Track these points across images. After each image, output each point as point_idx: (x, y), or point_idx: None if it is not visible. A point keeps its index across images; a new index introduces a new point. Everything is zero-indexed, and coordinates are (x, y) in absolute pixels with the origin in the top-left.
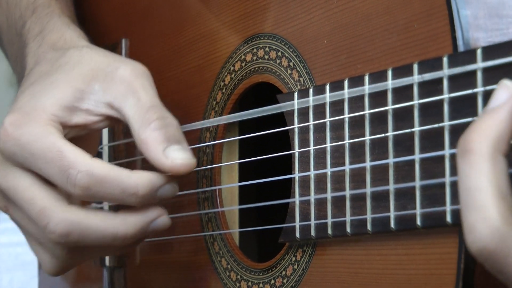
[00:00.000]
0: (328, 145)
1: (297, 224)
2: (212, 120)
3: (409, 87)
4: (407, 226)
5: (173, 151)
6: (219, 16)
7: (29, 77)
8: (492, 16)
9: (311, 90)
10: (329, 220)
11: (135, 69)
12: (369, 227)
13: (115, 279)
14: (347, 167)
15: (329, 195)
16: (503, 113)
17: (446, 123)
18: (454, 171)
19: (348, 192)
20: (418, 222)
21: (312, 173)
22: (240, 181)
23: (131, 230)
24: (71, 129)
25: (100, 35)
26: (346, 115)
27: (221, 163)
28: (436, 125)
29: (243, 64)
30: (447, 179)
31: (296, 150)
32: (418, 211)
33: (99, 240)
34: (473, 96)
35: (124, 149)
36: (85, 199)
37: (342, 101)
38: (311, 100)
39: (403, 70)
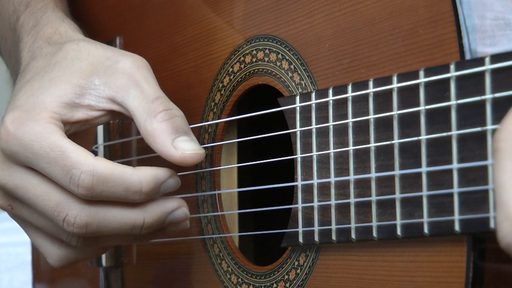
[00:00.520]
0: (332, 151)
1: (300, 229)
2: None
3: (416, 93)
4: (414, 233)
5: (181, 142)
6: (217, 16)
7: (25, 73)
8: (499, 21)
9: (313, 94)
10: (333, 227)
11: (135, 61)
12: (374, 233)
13: (111, 280)
14: (352, 177)
15: (333, 201)
16: None
17: (454, 132)
18: (461, 180)
19: (352, 200)
20: (426, 230)
21: (315, 181)
22: (239, 182)
23: (150, 219)
24: (72, 125)
25: (95, 33)
26: (350, 120)
27: (220, 164)
28: (444, 134)
29: (242, 66)
30: (455, 189)
31: (299, 155)
32: (426, 220)
33: (117, 230)
34: (482, 104)
35: (120, 148)
36: (89, 199)
37: (345, 105)
38: (313, 104)
39: (409, 76)
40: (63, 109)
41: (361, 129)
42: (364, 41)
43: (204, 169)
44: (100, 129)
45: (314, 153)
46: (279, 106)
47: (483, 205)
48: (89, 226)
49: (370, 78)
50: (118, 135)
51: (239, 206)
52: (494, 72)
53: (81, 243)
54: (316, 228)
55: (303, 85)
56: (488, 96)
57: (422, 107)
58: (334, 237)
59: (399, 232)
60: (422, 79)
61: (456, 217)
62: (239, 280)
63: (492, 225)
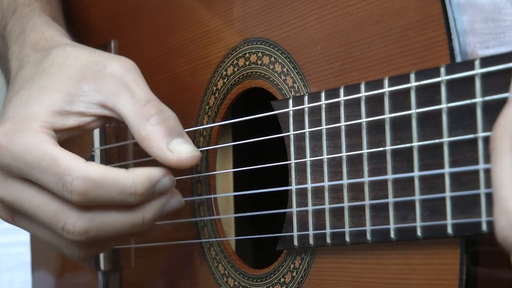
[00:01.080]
0: (325, 156)
1: (295, 233)
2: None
3: (407, 97)
4: (407, 237)
5: (177, 144)
6: (211, 19)
7: (15, 83)
8: (488, 22)
9: (306, 97)
10: (328, 230)
11: (124, 64)
12: (368, 237)
13: (110, 283)
14: (345, 181)
15: (327, 205)
16: None
17: (445, 139)
18: (453, 183)
19: (346, 204)
20: (419, 233)
21: (309, 185)
22: (235, 185)
23: (148, 216)
24: (64, 132)
25: (89, 36)
26: (343, 123)
27: (215, 168)
28: (436, 141)
29: (236, 69)
30: (448, 193)
31: (293, 161)
32: (419, 223)
33: (118, 231)
34: (472, 107)
35: (116, 151)
36: (85, 205)
37: (338, 108)
38: (306, 107)
39: (400, 79)
40: (53, 117)
41: (353, 133)
42: (355, 44)
43: (200, 173)
44: (96, 133)
45: (308, 159)
46: (273, 109)
47: (475, 208)
48: (89, 231)
49: (362, 81)
50: (114, 138)
51: (235, 209)
52: (484, 74)
53: (83, 249)
54: (310, 231)
55: (296, 88)
56: (478, 99)
57: (413, 111)
58: (328, 240)
59: (392, 235)
60: (413, 83)
61: (449, 221)
62: (236, 283)
63: (484, 227)
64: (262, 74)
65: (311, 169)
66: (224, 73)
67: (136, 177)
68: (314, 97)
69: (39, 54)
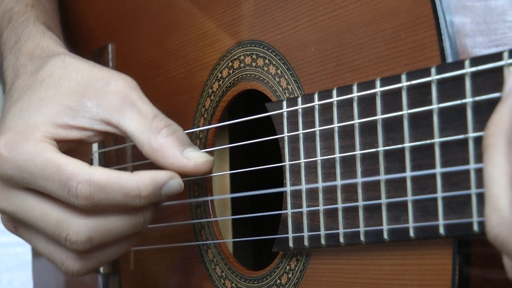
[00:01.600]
0: (319, 158)
1: (290, 235)
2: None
3: (398, 97)
4: (400, 237)
5: (191, 152)
6: (206, 22)
7: (12, 93)
8: (479, 22)
9: (299, 99)
10: (322, 232)
11: (126, 82)
12: (362, 238)
13: (110, 286)
14: (339, 182)
15: (321, 206)
16: (511, 102)
17: (437, 139)
18: (445, 183)
19: (340, 205)
20: (412, 234)
21: (303, 187)
22: (232, 187)
23: (148, 214)
24: (64, 143)
25: (87, 39)
26: (336, 125)
27: (212, 169)
28: (428, 141)
29: (231, 71)
30: (439, 193)
31: (287, 163)
32: (411, 224)
33: (121, 235)
34: (463, 107)
35: (115, 154)
36: (91, 209)
37: (331, 110)
38: (300, 109)
39: (392, 80)
40: (55, 129)
41: (346, 134)
42: (348, 45)
43: (196, 176)
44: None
45: (302, 159)
46: (268, 111)
47: (466, 208)
48: (93, 239)
49: (354, 83)
50: (112, 141)
51: (232, 210)
52: (474, 75)
53: (81, 263)
54: (305, 233)
55: (290, 89)
56: (468, 99)
57: (404, 111)
58: (323, 241)
59: (386, 236)
60: (404, 83)
61: (441, 221)
62: (233, 285)
63: (475, 227)
64: (256, 76)
65: (305, 171)
66: (220, 75)
67: (140, 180)
68: (308, 98)
69: (35, 63)
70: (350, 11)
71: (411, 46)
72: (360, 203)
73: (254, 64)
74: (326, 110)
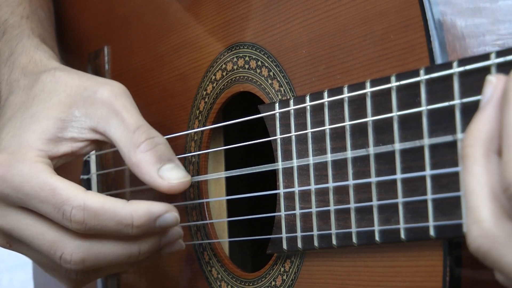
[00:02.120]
0: (311, 162)
1: (284, 235)
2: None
3: (388, 99)
4: (391, 239)
5: (167, 171)
6: (200, 24)
7: (6, 109)
8: (468, 24)
9: (291, 101)
10: (315, 233)
11: (113, 89)
12: (354, 239)
13: (108, 287)
14: (331, 185)
15: (314, 208)
16: (490, 111)
17: (426, 140)
18: (435, 185)
19: (332, 207)
20: (403, 235)
21: (296, 189)
22: (227, 189)
23: (144, 248)
24: (59, 159)
25: (82, 42)
26: (327, 127)
27: (207, 172)
28: (418, 144)
29: (224, 73)
30: (429, 195)
31: (280, 166)
32: (402, 226)
33: (114, 260)
34: (451, 109)
35: (112, 157)
36: (84, 232)
37: (322, 112)
38: (292, 110)
39: (381, 82)
40: (47, 145)
41: (337, 136)
42: (338, 47)
43: (192, 177)
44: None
45: (295, 162)
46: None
47: (456, 210)
48: (86, 261)
49: (345, 84)
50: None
51: (228, 212)
52: (462, 76)
53: (80, 276)
54: (299, 234)
55: (283, 91)
56: (457, 101)
57: (394, 113)
58: (316, 243)
59: (377, 237)
60: (393, 84)
61: (431, 223)
62: (229, 287)
63: (465, 229)
64: (249, 78)
65: (297, 173)
66: (213, 77)
67: (134, 210)
68: (299, 100)
69: (28, 79)
70: (341, 13)
71: (400, 47)
72: (352, 205)
73: (247, 66)
74: (317, 112)
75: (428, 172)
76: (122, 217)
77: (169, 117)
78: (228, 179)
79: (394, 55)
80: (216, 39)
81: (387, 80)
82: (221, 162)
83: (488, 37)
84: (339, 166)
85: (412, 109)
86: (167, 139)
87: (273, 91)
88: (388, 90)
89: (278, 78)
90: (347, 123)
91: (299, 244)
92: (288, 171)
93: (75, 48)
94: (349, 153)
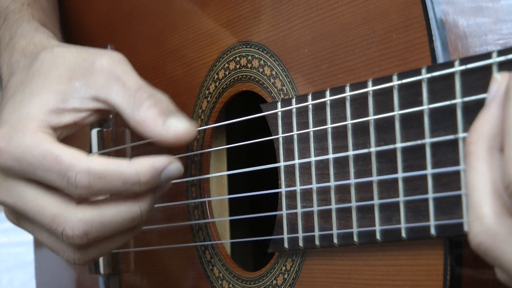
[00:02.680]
0: (313, 159)
1: (285, 236)
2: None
3: (390, 98)
4: (392, 238)
5: (172, 123)
6: (203, 23)
7: (7, 89)
8: (470, 23)
9: (293, 100)
10: (316, 232)
11: (111, 57)
12: (355, 238)
13: (110, 286)
14: (332, 183)
15: (315, 207)
16: (494, 109)
17: (427, 140)
18: (435, 184)
19: (334, 206)
20: (403, 234)
21: (298, 188)
22: (229, 188)
23: (144, 205)
24: (62, 130)
25: (86, 42)
26: (329, 126)
27: (209, 171)
28: (419, 142)
29: (227, 73)
30: (430, 194)
31: (282, 164)
32: (403, 225)
33: (118, 229)
34: (453, 108)
35: (114, 156)
36: (91, 197)
37: (324, 111)
38: (294, 109)
39: (383, 81)
40: (49, 116)
41: (339, 135)
42: (340, 47)
43: (194, 176)
44: (94, 137)
45: (296, 160)
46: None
47: (457, 209)
48: (89, 234)
49: (347, 83)
50: (112, 143)
51: (230, 211)
52: (463, 75)
53: (84, 253)
54: (300, 234)
55: (285, 91)
56: (458, 100)
57: (396, 112)
58: (317, 242)
59: (378, 236)
60: (395, 82)
61: (432, 222)
62: (230, 286)
63: (466, 228)
64: (252, 77)
65: (299, 172)
66: (216, 76)
67: (139, 167)
68: (301, 99)
69: (28, 59)
70: (343, 13)
71: (402, 47)
72: (353, 203)
73: (249, 65)
74: (319, 111)
75: (429, 171)
76: (128, 176)
77: None
78: (230, 178)
79: (396, 55)
80: (219, 38)
81: (389, 79)
82: (223, 161)
83: (490, 36)
84: (341, 165)
85: (413, 108)
86: None
87: (276, 90)
88: (390, 89)
89: (281, 77)
90: (349, 122)
91: (301, 243)
92: (290, 170)
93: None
94: (351, 152)
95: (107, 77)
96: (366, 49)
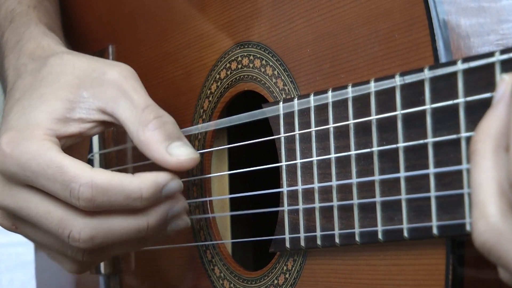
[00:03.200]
0: (315, 158)
1: (287, 235)
2: (201, 125)
3: (392, 97)
4: (394, 237)
5: (175, 147)
6: (203, 24)
7: (14, 92)
8: (473, 22)
9: (295, 100)
10: (318, 232)
11: (122, 71)
12: (357, 238)
13: (111, 286)
14: (334, 183)
15: (317, 206)
16: (501, 108)
17: (430, 139)
18: (438, 184)
19: (335, 203)
20: (405, 234)
21: (299, 187)
22: (230, 188)
23: (152, 220)
24: (67, 139)
25: (87, 42)
26: (331, 125)
27: (211, 170)
28: (421, 141)
29: (229, 72)
30: (432, 193)
31: (284, 163)
32: (405, 225)
33: (123, 237)
34: (455, 107)
35: (115, 156)
36: (92, 210)
37: (326, 110)
38: (296, 109)
39: (385, 81)
40: (56, 124)
41: (341, 134)
42: (343, 46)
43: (195, 176)
44: (95, 137)
45: (298, 160)
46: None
47: (459, 208)
48: (95, 239)
49: (349, 83)
50: (113, 143)
51: (231, 210)
52: (466, 75)
53: (87, 257)
54: (301, 233)
55: (287, 90)
56: (461, 100)
57: (398, 112)
58: (319, 242)
59: (380, 236)
60: (397, 82)
61: (434, 222)
62: (231, 285)
63: (468, 228)
64: (254, 77)
65: (301, 171)
66: (218, 76)
67: (142, 182)
68: (303, 99)
69: (36, 63)
70: (345, 12)
71: (405, 46)
72: (355, 201)
73: (251, 65)
74: (321, 110)
75: (431, 170)
76: (130, 191)
77: (173, 116)
78: (231, 178)
79: (398, 54)
80: (220, 38)
81: (391, 79)
82: (224, 161)
83: (492, 36)
84: (343, 165)
85: (416, 108)
86: None
87: (277, 90)
88: (392, 89)
89: (282, 77)
90: (351, 121)
91: (302, 243)
92: (291, 170)
93: (79, 47)
94: (353, 152)
95: (115, 90)
96: (368, 48)
